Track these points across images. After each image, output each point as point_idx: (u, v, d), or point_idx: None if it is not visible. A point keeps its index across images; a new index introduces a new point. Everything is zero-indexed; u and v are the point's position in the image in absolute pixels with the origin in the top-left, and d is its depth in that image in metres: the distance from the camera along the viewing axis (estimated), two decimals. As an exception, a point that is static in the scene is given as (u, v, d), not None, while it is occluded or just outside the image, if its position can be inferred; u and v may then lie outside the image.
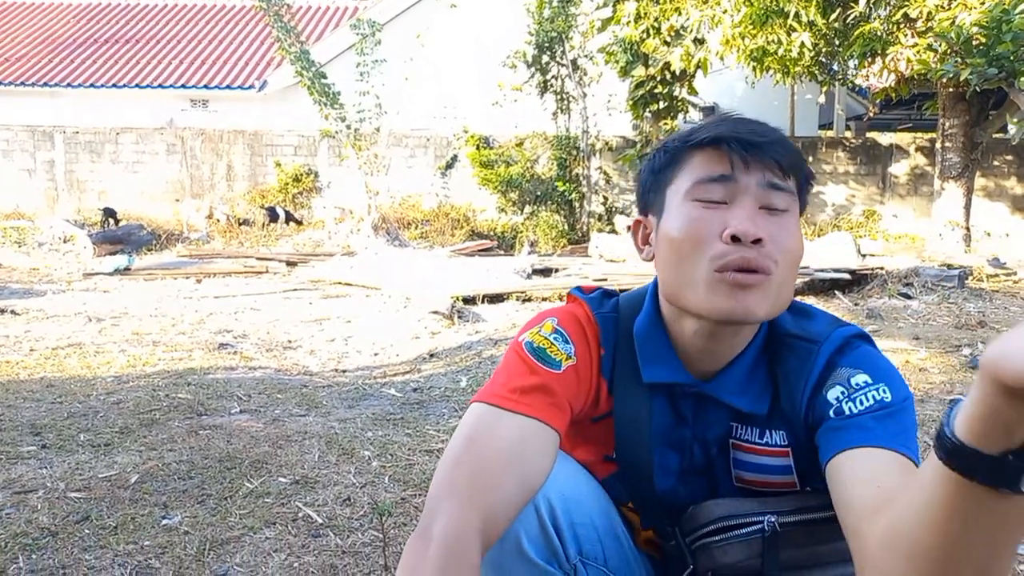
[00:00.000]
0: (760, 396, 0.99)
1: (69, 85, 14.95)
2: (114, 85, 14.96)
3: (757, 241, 0.89)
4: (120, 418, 2.99)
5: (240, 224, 12.28)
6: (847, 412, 0.91)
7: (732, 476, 1.04)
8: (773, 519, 0.94)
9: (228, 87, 14.99)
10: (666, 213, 0.98)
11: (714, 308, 0.92)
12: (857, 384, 0.93)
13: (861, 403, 0.91)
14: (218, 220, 12.26)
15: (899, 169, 13.77)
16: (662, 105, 11.10)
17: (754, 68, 10.75)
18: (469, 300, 6.43)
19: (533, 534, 0.98)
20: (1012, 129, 9.65)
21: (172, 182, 13.27)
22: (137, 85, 14.97)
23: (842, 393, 0.93)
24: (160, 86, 14.99)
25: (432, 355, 4.61)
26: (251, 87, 14.91)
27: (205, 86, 15.00)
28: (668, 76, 10.65)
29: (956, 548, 0.63)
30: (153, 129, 13.45)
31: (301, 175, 13.24)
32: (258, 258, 9.73)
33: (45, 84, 14.98)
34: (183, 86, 15.00)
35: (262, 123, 13.98)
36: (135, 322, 5.64)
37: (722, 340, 0.98)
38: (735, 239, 0.89)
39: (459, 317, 5.74)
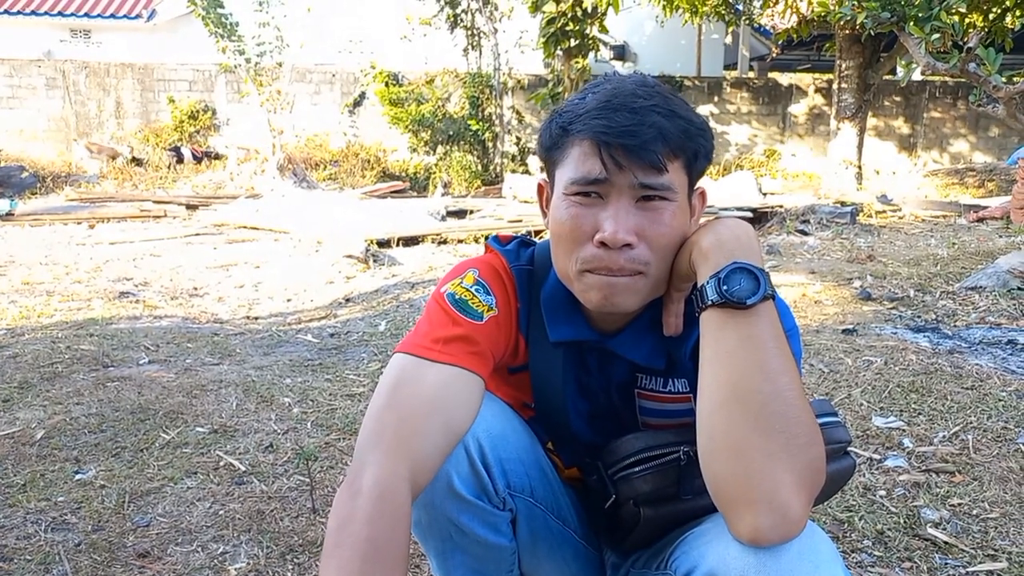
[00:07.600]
0: (656, 351, 1.04)
1: (-74, 9, 13.50)
2: (-21, 10, 13.59)
3: (627, 244, 0.92)
4: (18, 372, 2.84)
5: (134, 164, 11.57)
6: None
7: (639, 421, 1.10)
8: (687, 448, 1.00)
9: (113, 16, 13.85)
10: (554, 195, 1.00)
11: (586, 301, 0.98)
12: None
13: None
14: (113, 159, 11.48)
15: (798, 109, 14.30)
16: (573, 43, 11.03)
17: (664, 7, 10.83)
18: (383, 243, 6.35)
19: (464, 472, 1.01)
20: (900, 71, 10.15)
21: (55, 120, 12.28)
22: (7, 11, 13.62)
23: None
24: (34, 13, 13.68)
25: (348, 300, 4.56)
26: (138, 16, 13.83)
27: (87, 14, 13.79)
28: (579, 13, 10.57)
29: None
30: (29, 61, 12.33)
31: (197, 112, 12.52)
32: (156, 201, 9.23)
33: (-103, 8, 13.46)
34: (61, 14, 13.74)
35: (152, 56, 13.04)
36: (24, 271, 5.30)
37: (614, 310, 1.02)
38: (604, 244, 0.92)
39: (374, 261, 5.68)
